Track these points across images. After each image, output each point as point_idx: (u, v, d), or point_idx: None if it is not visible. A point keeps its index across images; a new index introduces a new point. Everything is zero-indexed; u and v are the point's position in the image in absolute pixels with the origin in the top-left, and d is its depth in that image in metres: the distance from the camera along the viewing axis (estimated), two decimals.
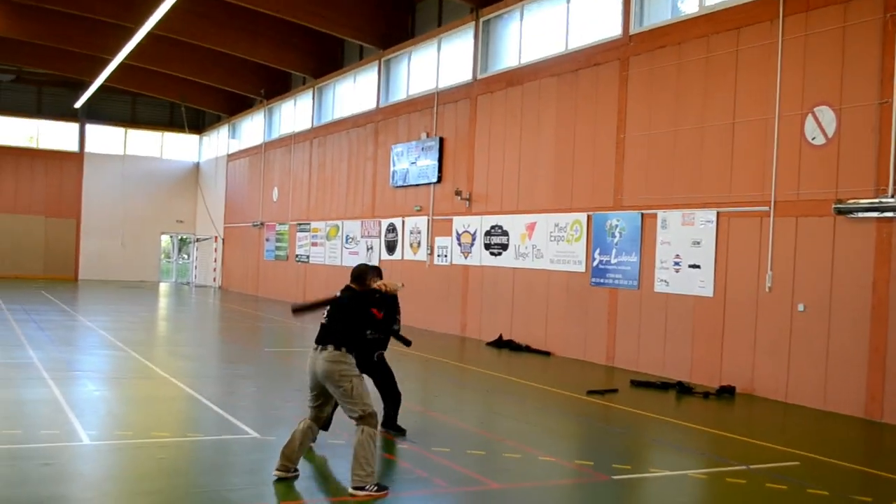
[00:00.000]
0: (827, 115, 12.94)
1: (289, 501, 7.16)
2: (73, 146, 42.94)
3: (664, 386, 14.29)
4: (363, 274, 7.99)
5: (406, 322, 22.02)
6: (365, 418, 7.33)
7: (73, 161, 42.72)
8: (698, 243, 15.08)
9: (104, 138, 43.69)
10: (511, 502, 7.39)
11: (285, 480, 7.48)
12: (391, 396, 9.66)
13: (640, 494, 8.05)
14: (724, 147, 14.70)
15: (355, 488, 7.15)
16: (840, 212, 12.56)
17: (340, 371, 7.39)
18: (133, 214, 43.47)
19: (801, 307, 13.22)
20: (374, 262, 25.77)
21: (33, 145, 42.38)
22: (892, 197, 11.87)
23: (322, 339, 7.56)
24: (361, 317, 7.88)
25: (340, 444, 8.89)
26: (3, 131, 41.77)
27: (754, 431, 11.12)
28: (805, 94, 13.35)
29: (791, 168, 13.50)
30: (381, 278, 8.40)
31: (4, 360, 14.39)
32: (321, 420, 7.76)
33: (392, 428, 9.55)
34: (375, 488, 7.18)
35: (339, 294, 7.91)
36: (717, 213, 14.72)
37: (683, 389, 13.99)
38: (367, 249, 26.52)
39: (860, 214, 12.33)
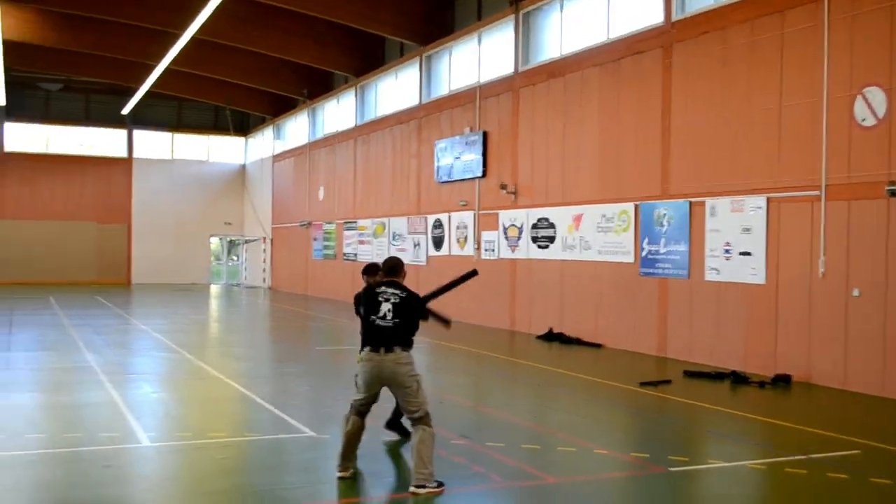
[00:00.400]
0: (877, 96, 12.69)
1: (348, 499, 7.22)
2: (122, 152, 43.58)
3: (718, 376, 14.15)
4: (398, 266, 7.84)
5: (455, 317, 21.98)
6: (424, 418, 7.37)
7: (122, 167, 43.35)
8: (748, 230, 14.90)
9: (152, 143, 44.30)
10: (568, 496, 7.36)
11: (347, 479, 7.53)
12: None
13: (698, 486, 7.97)
14: (771, 132, 14.50)
15: (417, 486, 7.18)
16: (894, 193, 12.33)
17: (408, 373, 7.42)
18: (182, 218, 44.01)
19: (856, 292, 13.01)
20: (422, 259, 25.85)
21: (83, 152, 43.07)
22: None
23: (387, 342, 7.44)
24: (422, 314, 7.72)
25: (394, 441, 8.94)
26: (54, 139, 42.52)
27: (812, 420, 10.96)
28: (853, 75, 13.11)
29: (841, 151, 13.28)
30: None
31: (63, 365, 14.66)
32: (366, 414, 7.75)
33: (396, 428, 9.14)
34: (435, 485, 7.22)
35: (382, 290, 7.64)
36: (767, 198, 14.52)
37: (738, 379, 13.83)
38: (415, 246, 26.58)
39: None
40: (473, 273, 8.59)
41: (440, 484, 7.26)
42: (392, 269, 7.83)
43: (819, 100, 13.59)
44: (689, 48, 16.27)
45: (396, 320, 7.48)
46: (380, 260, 9.31)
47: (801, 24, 14.00)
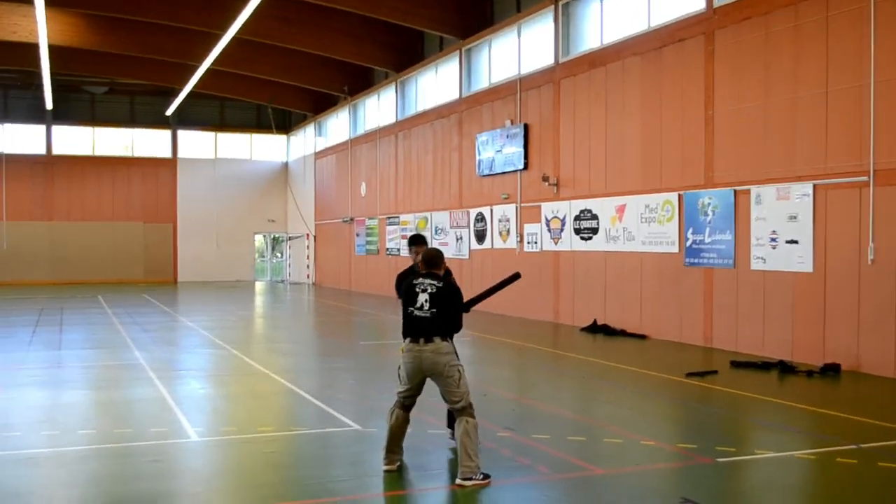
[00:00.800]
0: None
1: (394, 492, 7.25)
2: (167, 152, 44.10)
3: (765, 366, 13.98)
4: (437, 258, 7.83)
5: (499, 310, 21.98)
6: (466, 409, 7.39)
7: (167, 167, 43.88)
8: (795, 218, 14.70)
9: (195, 143, 44.78)
10: (615, 487, 7.32)
11: (393, 472, 7.56)
12: None
13: (747, 476, 7.88)
14: (817, 118, 14.29)
15: (463, 479, 7.19)
16: None
17: (449, 362, 7.43)
18: (226, 216, 44.46)
19: None
20: (465, 253, 25.83)
21: (129, 154, 43.67)
22: None
23: (426, 332, 7.47)
24: (460, 304, 7.74)
25: (439, 434, 8.95)
26: (100, 142, 43.14)
27: (863, 409, 10.80)
28: None
29: (889, 135, 13.05)
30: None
31: (113, 362, 14.87)
32: (411, 407, 7.77)
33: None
34: (482, 477, 7.23)
35: (420, 281, 7.68)
36: (814, 185, 14.32)
37: (786, 369, 13.66)
38: (457, 240, 26.59)
39: None
40: (517, 276, 8.60)
41: (486, 476, 7.27)
42: (430, 261, 7.83)
43: (866, 83, 13.37)
44: (732, 34, 16.09)
45: (434, 310, 7.52)
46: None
47: (846, 7, 13.77)
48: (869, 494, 7.28)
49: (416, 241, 9.09)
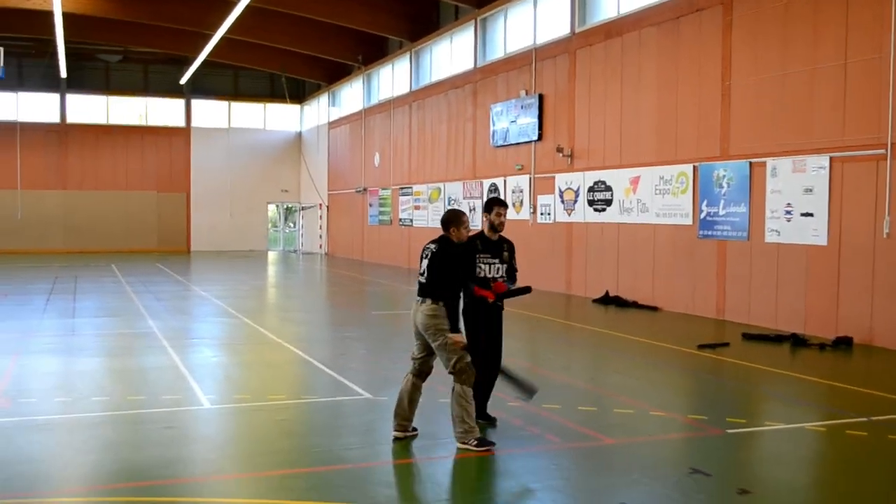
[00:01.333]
0: None
1: (403, 460, 7.28)
2: (180, 121, 44.09)
3: (778, 338, 13.96)
4: (446, 222, 7.72)
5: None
6: (456, 374, 7.37)
7: (180, 136, 43.90)
8: (810, 190, 14.61)
9: (209, 112, 44.76)
10: (625, 457, 7.34)
11: (404, 440, 7.60)
12: (486, 372, 8.16)
13: (756, 448, 7.90)
14: (835, 89, 14.16)
15: (459, 446, 7.30)
16: None
17: (436, 325, 7.43)
18: (240, 185, 44.50)
19: None
20: (477, 223, 25.80)
21: (143, 123, 43.70)
22: None
23: (421, 293, 7.58)
24: (453, 268, 7.58)
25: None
26: (114, 111, 43.17)
27: (874, 382, 10.79)
28: None
29: None
30: (464, 224, 7.69)
31: (126, 331, 14.96)
32: (425, 374, 7.77)
33: (481, 416, 8.09)
34: (475, 443, 7.27)
35: (426, 246, 7.74)
36: (830, 158, 14.21)
37: (798, 341, 13.63)
38: (470, 210, 26.54)
39: None
40: (527, 290, 8.65)
41: (485, 443, 7.31)
42: (442, 223, 7.78)
43: (886, 54, 13.22)
44: (750, 4, 15.92)
45: (427, 275, 7.58)
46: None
47: None
48: (878, 467, 7.26)
49: (490, 204, 8.38)
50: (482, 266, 8.06)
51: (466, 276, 7.88)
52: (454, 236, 7.69)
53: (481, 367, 7.91)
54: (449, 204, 28.05)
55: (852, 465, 7.36)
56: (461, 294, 7.71)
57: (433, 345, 7.48)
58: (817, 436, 8.18)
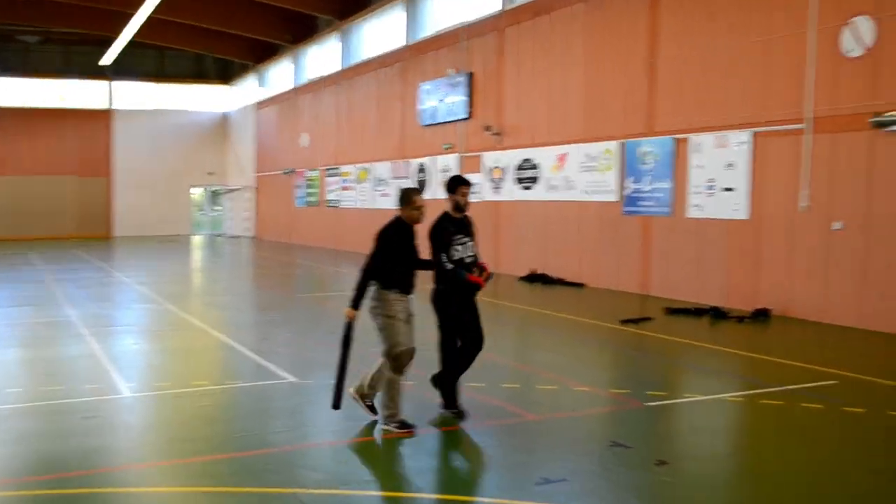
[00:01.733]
0: (864, 25, 12.55)
1: (327, 442, 7.25)
2: (103, 104, 43.12)
3: (698, 312, 14.20)
4: (399, 198, 7.52)
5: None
6: (392, 359, 7.34)
7: (102, 119, 42.95)
8: (732, 165, 14.85)
9: (134, 94, 43.83)
10: (547, 433, 7.40)
11: (359, 405, 7.58)
12: (451, 356, 7.84)
13: (675, 419, 8.03)
14: (757, 66, 14.39)
15: (382, 427, 7.36)
16: (878, 125, 12.27)
17: (373, 308, 7.38)
18: (164, 169, 43.75)
19: (837, 225, 13.02)
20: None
21: (63, 105, 42.60)
22: None
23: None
24: (388, 249, 7.39)
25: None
26: (33, 93, 42.00)
27: (790, 353, 11.04)
28: (841, 5, 12.94)
29: (827, 83, 13.19)
30: (413, 203, 7.44)
31: (44, 319, 14.59)
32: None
33: (452, 406, 7.82)
34: (396, 425, 7.28)
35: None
36: (753, 133, 14.45)
37: (718, 315, 13.89)
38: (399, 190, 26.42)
39: None
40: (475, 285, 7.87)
41: (405, 426, 7.28)
42: (398, 200, 7.58)
43: (805, 31, 13.44)
44: None
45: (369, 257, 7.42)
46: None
47: None
48: (792, 434, 7.46)
49: (453, 184, 8.00)
50: (457, 248, 7.73)
51: (434, 258, 7.56)
52: (405, 216, 7.51)
53: (469, 350, 7.77)
54: (377, 185, 27.92)
55: (767, 433, 7.53)
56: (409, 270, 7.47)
57: (375, 326, 7.41)
58: (734, 406, 8.35)
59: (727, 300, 14.81)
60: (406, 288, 7.45)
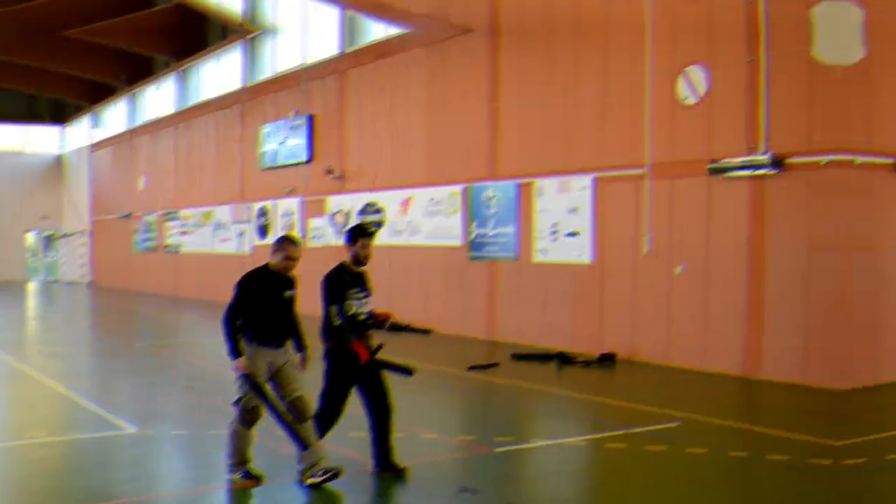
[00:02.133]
0: (698, 74, 12.96)
1: (170, 493, 7.00)
2: None
3: (545, 357, 14.20)
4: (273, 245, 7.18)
5: None
6: (240, 410, 6.96)
7: None
8: (575, 210, 15.04)
9: None
10: (395, 481, 7.22)
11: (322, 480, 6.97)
12: (377, 411, 7.65)
13: (522, 464, 8.00)
14: (597, 111, 14.66)
15: (227, 477, 7.09)
16: (714, 171, 12.63)
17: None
18: None
19: (679, 269, 13.30)
20: (247, 248, 25.07)
21: None
22: (764, 154, 11.94)
23: None
24: (239, 294, 7.00)
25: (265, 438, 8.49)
26: None
27: (635, 396, 11.17)
28: (676, 53, 13.31)
29: (665, 130, 13.52)
30: (284, 252, 7.13)
31: None
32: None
33: (386, 467, 7.40)
34: (240, 475, 6.99)
35: None
36: (594, 177, 14.67)
37: (564, 360, 13.92)
38: (239, 235, 25.79)
39: (734, 173, 12.40)
40: (409, 372, 7.86)
41: (250, 476, 7.00)
42: None
43: (643, 79, 13.77)
44: (517, 28, 16.30)
45: None
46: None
47: (625, 6, 14.16)
48: (636, 476, 7.49)
49: (355, 236, 7.68)
50: (353, 302, 7.37)
51: (325, 310, 7.33)
52: (271, 264, 7.13)
53: (331, 422, 7.48)
54: (217, 229, 27.16)
55: (611, 475, 7.57)
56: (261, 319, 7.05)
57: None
58: (579, 450, 8.40)
59: (574, 344, 14.88)
60: (269, 340, 7.03)
